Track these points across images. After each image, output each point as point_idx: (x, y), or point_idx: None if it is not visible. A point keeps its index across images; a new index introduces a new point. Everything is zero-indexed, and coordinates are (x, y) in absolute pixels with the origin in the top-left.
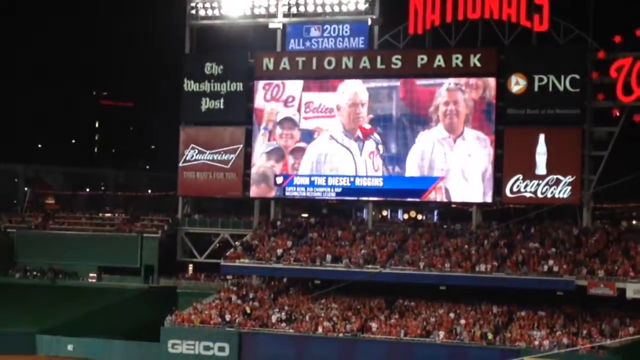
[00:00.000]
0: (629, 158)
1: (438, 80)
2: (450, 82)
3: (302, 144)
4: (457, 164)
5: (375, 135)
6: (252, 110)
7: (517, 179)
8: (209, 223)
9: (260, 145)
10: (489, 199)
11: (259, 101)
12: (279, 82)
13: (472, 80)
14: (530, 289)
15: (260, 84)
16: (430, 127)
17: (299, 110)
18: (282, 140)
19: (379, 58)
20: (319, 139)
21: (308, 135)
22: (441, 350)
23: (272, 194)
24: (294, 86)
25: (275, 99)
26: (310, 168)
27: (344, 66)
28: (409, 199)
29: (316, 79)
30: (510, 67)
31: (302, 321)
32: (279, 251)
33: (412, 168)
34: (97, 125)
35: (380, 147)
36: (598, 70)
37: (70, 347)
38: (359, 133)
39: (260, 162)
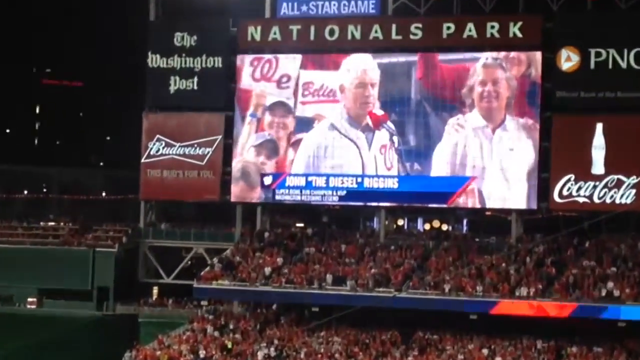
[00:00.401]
0: None
1: (469, 55)
2: (487, 56)
3: (297, 136)
4: (496, 160)
5: (389, 123)
6: (234, 92)
7: (568, 180)
8: (178, 234)
9: (246, 137)
10: (532, 205)
11: (245, 80)
12: (270, 57)
13: (512, 54)
14: (584, 319)
15: (247, 59)
16: (463, 113)
17: (295, 93)
18: (272, 131)
19: (394, 27)
20: (317, 128)
21: (306, 125)
22: None
23: (259, 197)
24: (290, 62)
25: (266, 78)
26: (306, 165)
27: (349, 37)
28: (432, 205)
29: (314, 52)
30: (559, 39)
31: (296, 359)
32: (267, 270)
33: (438, 165)
34: (37, 111)
35: (395, 138)
36: None
37: None
38: (368, 121)
39: (245, 157)
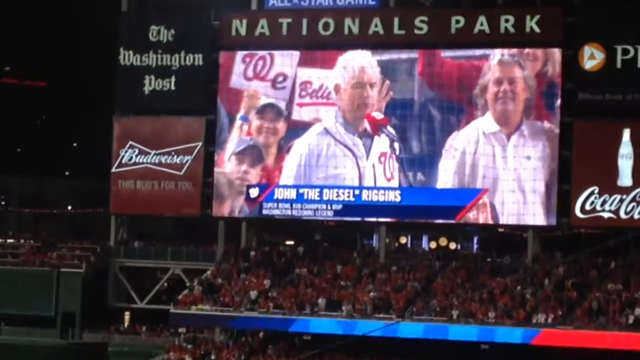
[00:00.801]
0: None
1: (480, 52)
2: (503, 53)
3: (289, 143)
4: (511, 170)
5: (389, 128)
6: (216, 93)
7: (592, 193)
8: (153, 253)
9: (233, 142)
10: (551, 221)
11: (237, 79)
12: (265, 53)
13: (526, 50)
14: (609, 350)
15: (238, 56)
16: (475, 117)
17: (291, 93)
18: (260, 137)
19: (396, 20)
20: (308, 133)
21: (300, 130)
22: None
23: (244, 212)
24: (286, 59)
25: (260, 77)
26: (296, 175)
27: (346, 31)
28: (438, 221)
29: (306, 49)
30: (582, 35)
31: None
32: (253, 293)
33: (444, 175)
34: None
35: (396, 145)
36: None
37: None
38: (366, 125)
39: (229, 166)
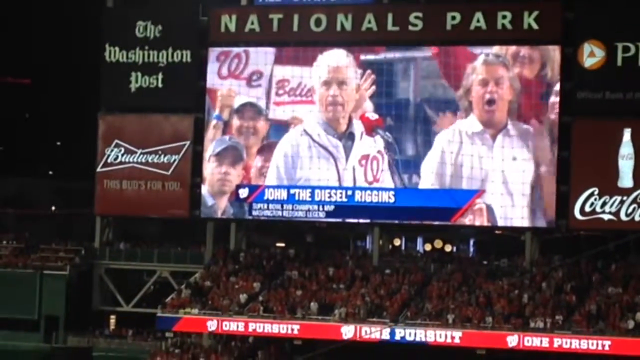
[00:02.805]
0: None
1: (478, 50)
2: (488, 52)
3: (271, 141)
4: (497, 171)
5: (382, 131)
6: (204, 91)
7: (591, 195)
8: (139, 255)
9: (212, 142)
10: (544, 224)
11: (211, 78)
12: (240, 50)
13: (524, 51)
14: (610, 356)
15: (213, 53)
16: (460, 117)
17: (268, 92)
18: (241, 137)
19: (390, 17)
20: (290, 134)
21: (281, 129)
22: None
23: (233, 213)
24: (261, 57)
25: (235, 76)
26: (277, 177)
27: (339, 27)
28: (434, 222)
29: (297, 45)
30: (582, 32)
31: None
32: (243, 297)
33: (429, 177)
34: None
35: (392, 147)
36: None
37: None
38: (355, 127)
39: (209, 167)
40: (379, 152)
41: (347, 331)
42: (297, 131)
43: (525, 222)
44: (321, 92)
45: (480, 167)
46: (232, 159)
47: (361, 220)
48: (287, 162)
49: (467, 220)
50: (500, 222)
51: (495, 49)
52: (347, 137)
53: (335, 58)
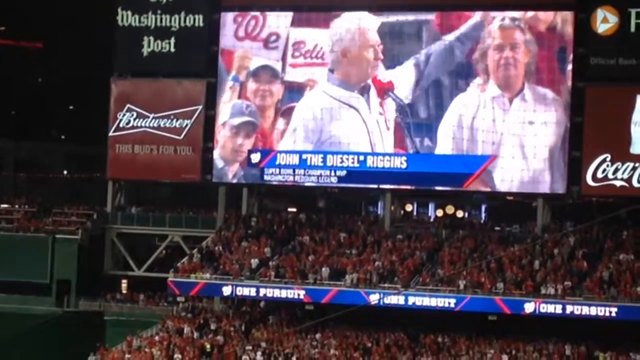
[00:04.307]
0: None
1: (482, 14)
2: (504, 16)
3: (287, 105)
4: (512, 135)
5: (396, 92)
6: (217, 55)
7: (604, 161)
8: (151, 220)
9: (227, 105)
10: (560, 189)
11: (227, 40)
12: (256, 13)
13: (539, 14)
14: (620, 321)
15: (229, 17)
16: (478, 82)
17: (284, 54)
18: (257, 99)
19: None
20: (309, 95)
21: (296, 92)
22: None
23: (245, 177)
24: (278, 19)
25: (251, 37)
26: (296, 139)
27: None
28: (445, 188)
29: (310, 10)
30: None
31: None
32: (254, 262)
33: (446, 142)
34: None
35: (404, 109)
36: None
37: None
38: (371, 87)
39: (224, 131)
40: (397, 113)
41: (359, 296)
42: (316, 92)
43: (539, 188)
44: (336, 54)
45: (494, 131)
46: (248, 131)
47: (373, 186)
48: (310, 122)
49: (479, 184)
50: (517, 187)
51: (511, 13)
52: (366, 91)
53: (349, 21)
